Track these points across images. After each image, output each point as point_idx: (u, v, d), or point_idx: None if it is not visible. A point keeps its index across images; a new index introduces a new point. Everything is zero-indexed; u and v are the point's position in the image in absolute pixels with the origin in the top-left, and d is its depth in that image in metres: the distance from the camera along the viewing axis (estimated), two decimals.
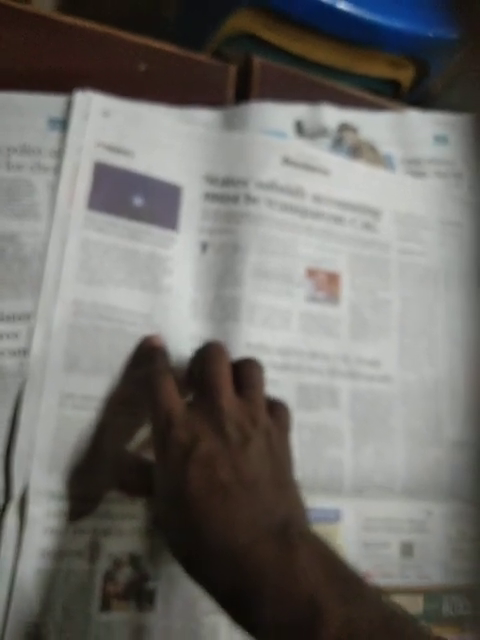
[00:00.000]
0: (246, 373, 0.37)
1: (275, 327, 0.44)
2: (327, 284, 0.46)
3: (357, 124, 0.52)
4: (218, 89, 0.50)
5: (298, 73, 0.54)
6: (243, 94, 0.51)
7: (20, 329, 0.37)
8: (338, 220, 0.48)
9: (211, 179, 0.45)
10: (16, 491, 0.35)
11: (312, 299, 0.45)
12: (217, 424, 0.33)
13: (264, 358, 0.39)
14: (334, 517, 0.43)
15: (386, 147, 0.52)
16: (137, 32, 0.49)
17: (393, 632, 0.27)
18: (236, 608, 0.30)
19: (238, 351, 0.41)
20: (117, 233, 0.41)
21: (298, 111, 0.50)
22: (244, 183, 0.45)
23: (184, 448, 0.32)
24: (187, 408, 0.34)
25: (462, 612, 0.45)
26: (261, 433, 0.34)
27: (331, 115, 0.51)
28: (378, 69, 0.91)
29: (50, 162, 0.40)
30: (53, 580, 0.35)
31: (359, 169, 0.50)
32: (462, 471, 0.46)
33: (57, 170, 0.40)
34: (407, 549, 0.44)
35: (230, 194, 0.45)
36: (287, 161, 0.47)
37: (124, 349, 0.39)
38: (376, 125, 0.53)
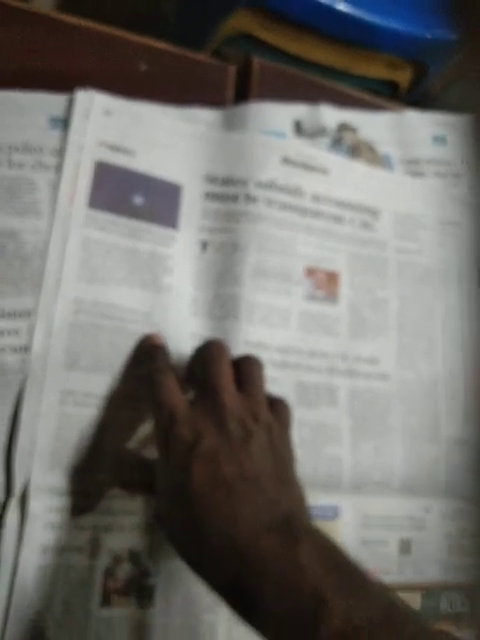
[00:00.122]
0: (246, 370, 0.37)
1: (274, 325, 0.44)
2: (326, 283, 0.46)
3: (356, 124, 0.52)
4: (218, 89, 0.51)
5: (297, 73, 0.54)
6: (242, 94, 0.51)
7: (21, 326, 0.37)
8: (337, 219, 0.48)
9: (211, 178, 0.46)
10: (17, 487, 0.35)
11: (311, 298, 0.46)
12: (219, 420, 0.33)
13: (263, 356, 0.39)
14: (333, 514, 0.43)
15: (385, 147, 0.53)
16: (136, 32, 0.49)
17: (395, 625, 0.27)
18: (239, 601, 0.30)
19: (237, 349, 0.41)
20: (118, 232, 0.41)
21: (297, 111, 0.51)
22: (244, 183, 0.45)
23: (187, 444, 0.32)
24: (189, 405, 0.35)
25: (460, 609, 0.45)
26: (262, 429, 0.34)
27: (330, 115, 0.51)
28: (376, 70, 0.92)
29: (51, 160, 0.41)
30: (54, 575, 0.35)
31: (358, 169, 0.50)
32: (460, 469, 0.47)
33: (58, 168, 0.41)
34: (405, 546, 0.45)
35: (230, 193, 0.45)
36: (286, 161, 0.47)
37: (125, 347, 0.39)
38: (375, 125, 0.53)
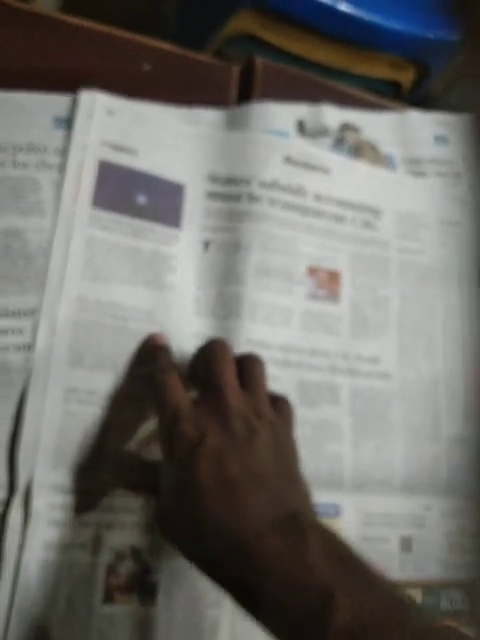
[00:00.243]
0: (248, 368, 0.37)
1: (276, 324, 0.44)
2: (328, 282, 0.47)
3: (358, 124, 0.52)
4: (221, 89, 0.51)
5: (300, 73, 0.54)
6: (245, 94, 0.51)
7: (25, 325, 0.38)
8: (339, 219, 0.48)
9: (214, 178, 0.46)
10: (21, 484, 0.36)
11: (313, 297, 0.46)
12: (223, 419, 0.33)
13: (265, 355, 0.40)
14: (334, 512, 0.44)
15: (387, 147, 0.53)
16: (137, 32, 0.50)
17: (402, 621, 0.27)
18: (245, 598, 0.30)
19: (239, 348, 0.42)
20: (121, 231, 0.41)
21: (300, 111, 0.51)
22: (246, 182, 0.46)
23: (192, 442, 0.32)
24: (193, 404, 0.35)
25: (460, 606, 0.45)
26: (266, 426, 0.34)
27: (332, 115, 0.52)
28: (378, 70, 0.92)
29: (55, 160, 0.41)
30: (57, 572, 0.36)
31: (360, 168, 0.50)
32: (460, 467, 0.47)
33: (62, 168, 0.41)
34: (406, 544, 0.45)
35: (233, 193, 0.45)
36: (289, 160, 0.47)
37: (128, 346, 0.40)
38: (377, 125, 0.53)
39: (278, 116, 0.50)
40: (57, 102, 0.42)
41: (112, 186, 0.42)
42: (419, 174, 0.53)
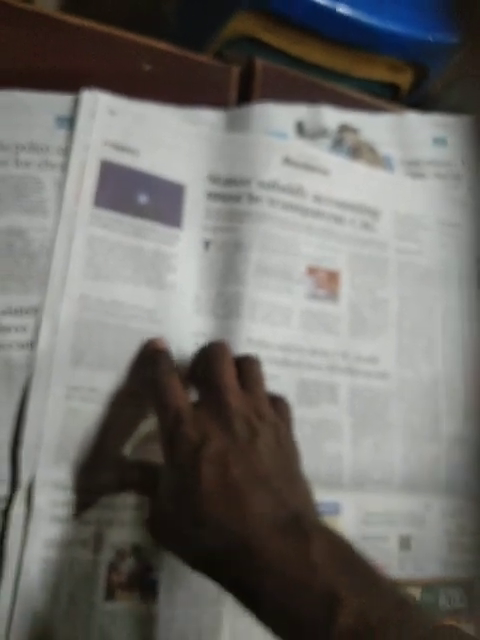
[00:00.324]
0: (247, 369, 0.37)
1: (276, 323, 0.44)
2: (327, 282, 0.47)
3: (357, 125, 0.53)
4: (221, 90, 0.51)
5: (299, 75, 0.55)
6: (245, 95, 0.52)
7: (27, 323, 0.38)
8: (338, 219, 0.48)
9: (214, 178, 0.46)
10: (23, 481, 0.36)
11: (312, 296, 0.46)
12: (225, 421, 0.33)
13: (265, 354, 0.40)
14: (334, 511, 0.44)
15: (385, 148, 0.53)
16: (137, 32, 0.50)
17: (407, 622, 0.27)
18: (249, 600, 0.30)
19: (239, 347, 0.42)
20: (122, 230, 0.41)
21: (299, 112, 0.51)
22: (246, 183, 0.46)
23: (194, 445, 0.32)
24: (194, 407, 0.35)
25: (458, 605, 0.45)
26: (268, 426, 0.35)
27: (331, 116, 0.52)
28: (377, 72, 0.92)
29: (57, 159, 0.41)
30: (59, 569, 0.36)
31: (359, 170, 0.51)
32: (460, 467, 0.47)
33: (64, 167, 0.41)
34: (405, 542, 0.45)
35: (233, 193, 0.46)
36: (288, 161, 0.47)
37: (129, 344, 0.40)
38: (376, 126, 0.53)
39: (277, 117, 0.50)
40: (59, 102, 0.43)
41: (114, 186, 0.42)
42: (418, 176, 0.53)
